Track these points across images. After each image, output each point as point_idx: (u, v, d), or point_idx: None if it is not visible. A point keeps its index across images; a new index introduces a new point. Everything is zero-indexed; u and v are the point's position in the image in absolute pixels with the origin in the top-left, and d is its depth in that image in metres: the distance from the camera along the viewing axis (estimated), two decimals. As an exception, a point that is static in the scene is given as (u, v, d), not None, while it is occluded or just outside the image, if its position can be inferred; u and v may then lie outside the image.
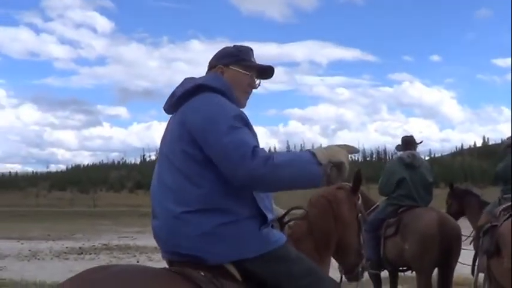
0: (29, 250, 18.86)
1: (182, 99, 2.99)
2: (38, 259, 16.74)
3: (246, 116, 2.92)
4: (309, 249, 3.46)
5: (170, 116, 3.11)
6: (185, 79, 3.14)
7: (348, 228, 3.73)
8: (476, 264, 7.04)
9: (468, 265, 7.47)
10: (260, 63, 3.22)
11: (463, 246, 7.38)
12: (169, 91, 3.12)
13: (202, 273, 2.75)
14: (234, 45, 3.23)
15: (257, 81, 3.21)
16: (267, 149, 2.79)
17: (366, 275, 4.44)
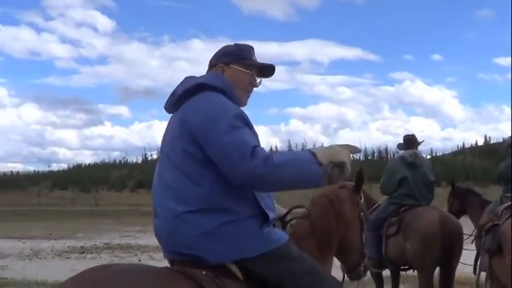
0: (31, 249, 18.89)
1: (183, 98, 2.99)
2: (40, 258, 16.76)
3: (246, 115, 2.91)
4: (311, 248, 3.46)
5: (171, 115, 3.11)
6: (186, 78, 3.13)
7: (350, 227, 3.73)
8: (478, 263, 7.03)
9: (469, 265, 7.47)
10: (261, 61, 3.21)
11: (464, 246, 7.37)
12: (170, 90, 3.12)
13: (204, 272, 2.74)
14: (235, 44, 3.22)
15: (258, 80, 3.19)
16: (268, 148, 2.80)
17: (368, 274, 4.43)
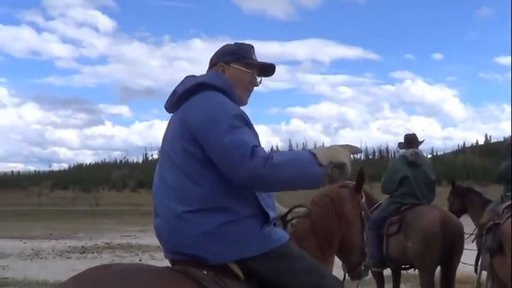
0: (32, 249, 18.89)
1: (183, 97, 2.98)
2: (41, 258, 16.76)
3: (246, 115, 2.91)
4: (312, 247, 3.46)
5: (171, 114, 3.11)
6: (186, 77, 3.13)
7: (351, 226, 3.72)
8: (479, 262, 7.03)
9: (470, 264, 7.46)
10: (261, 60, 3.21)
11: (464, 246, 7.37)
12: (171, 90, 3.11)
13: (205, 272, 2.74)
14: (235, 43, 3.22)
15: (258, 79, 3.19)
16: (269, 148, 2.79)
17: (369, 273, 4.43)
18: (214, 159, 2.76)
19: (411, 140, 7.96)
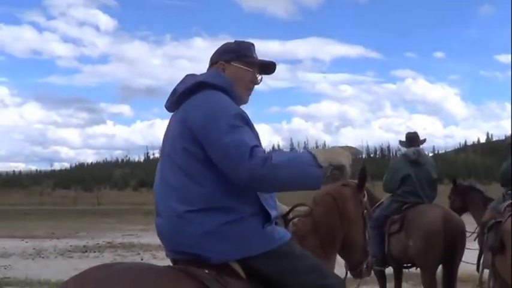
0: (33, 248, 18.90)
1: (183, 96, 2.98)
2: (43, 257, 16.77)
3: (246, 114, 2.91)
4: (314, 246, 3.45)
5: (172, 113, 3.11)
6: (186, 76, 3.12)
7: (353, 225, 3.72)
8: (481, 260, 7.02)
9: (471, 263, 7.46)
10: (261, 57, 3.21)
11: (466, 245, 7.36)
12: (172, 89, 3.11)
13: (206, 271, 2.74)
14: (235, 41, 3.22)
15: (259, 77, 3.19)
16: (270, 147, 2.79)
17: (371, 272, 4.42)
18: (214, 158, 2.76)
19: (413, 139, 7.94)
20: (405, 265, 7.78)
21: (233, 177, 2.71)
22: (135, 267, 2.79)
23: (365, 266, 3.83)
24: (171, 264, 2.97)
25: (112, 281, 2.54)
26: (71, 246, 19.84)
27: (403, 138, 8.07)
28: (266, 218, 2.91)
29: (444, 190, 9.76)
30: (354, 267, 3.85)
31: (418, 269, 7.47)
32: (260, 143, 2.90)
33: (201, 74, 3.10)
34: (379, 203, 7.88)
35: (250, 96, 3.19)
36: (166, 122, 3.14)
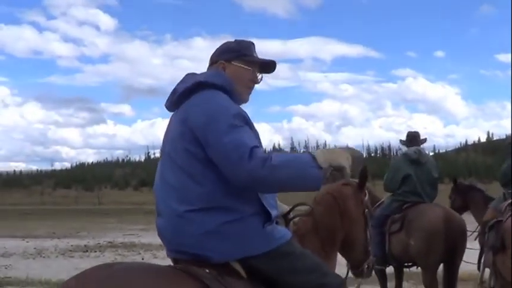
0: (34, 248, 18.89)
1: (183, 96, 2.98)
2: (43, 257, 16.76)
3: (246, 114, 2.91)
4: (315, 245, 3.45)
5: (172, 113, 3.10)
6: (186, 75, 3.12)
7: (354, 224, 3.72)
8: (482, 259, 7.02)
9: (472, 263, 7.46)
10: (261, 57, 3.21)
11: (467, 244, 7.36)
12: (172, 88, 3.11)
13: (207, 271, 2.74)
14: (235, 40, 3.21)
15: (259, 76, 3.18)
16: (271, 146, 2.79)
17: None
18: (214, 159, 2.76)
19: (414, 138, 7.94)
20: (406, 264, 7.77)
21: (232, 177, 2.71)
22: (136, 266, 2.79)
23: (366, 265, 3.83)
24: (171, 263, 2.97)
25: (113, 281, 2.54)
26: (71, 246, 19.84)
27: (404, 138, 8.07)
28: (267, 217, 2.90)
29: (445, 189, 9.76)
30: (355, 267, 3.85)
31: (419, 268, 7.47)
32: (260, 143, 2.90)
33: (201, 74, 3.09)
34: (379, 202, 7.87)
35: (250, 95, 3.19)
36: (166, 122, 3.14)
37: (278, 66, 3.24)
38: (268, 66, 3.21)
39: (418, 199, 7.53)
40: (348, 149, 2.90)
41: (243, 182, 2.69)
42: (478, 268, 7.18)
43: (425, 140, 8.09)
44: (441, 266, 7.28)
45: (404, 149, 8.09)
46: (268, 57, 3.21)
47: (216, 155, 2.74)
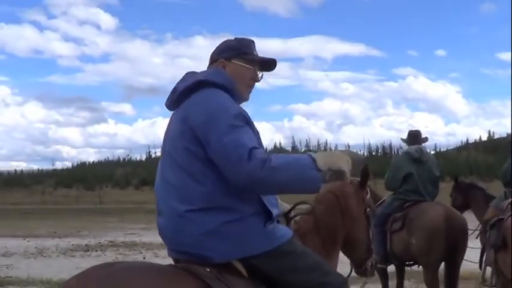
0: (35, 248, 18.87)
1: (183, 95, 2.97)
2: (44, 256, 16.74)
3: (247, 113, 2.90)
4: (316, 244, 3.44)
5: (172, 112, 3.10)
6: (186, 73, 3.11)
7: (355, 223, 3.71)
8: (484, 258, 7.02)
9: (473, 262, 7.46)
10: (262, 55, 3.20)
11: (468, 243, 7.35)
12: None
13: (208, 270, 2.74)
14: (235, 38, 3.20)
15: (259, 74, 3.18)
16: (272, 145, 2.78)
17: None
18: (214, 158, 2.75)
19: (415, 136, 7.93)
20: (407, 263, 7.77)
21: (232, 178, 2.71)
22: (137, 266, 2.79)
23: (370, 264, 3.82)
24: (173, 263, 2.97)
25: (114, 280, 2.54)
26: (72, 245, 19.81)
27: (405, 136, 8.06)
28: (268, 216, 2.90)
29: (446, 188, 9.76)
30: (358, 265, 3.84)
31: (420, 266, 7.47)
32: (261, 143, 2.90)
33: (202, 72, 3.09)
34: (380, 201, 7.87)
35: (251, 94, 3.18)
36: (167, 121, 3.13)
37: (279, 65, 3.24)
38: (269, 64, 3.21)
39: (419, 198, 7.53)
40: (348, 152, 2.90)
41: (242, 183, 2.68)
42: (480, 266, 7.17)
43: (426, 139, 8.08)
44: (442, 264, 7.28)
45: (405, 147, 8.09)
46: (269, 56, 3.21)
47: (215, 155, 2.74)
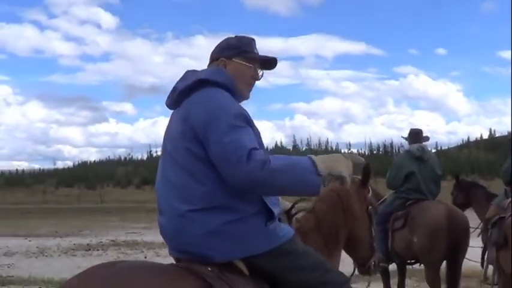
0: (37, 247, 18.88)
1: (183, 94, 2.96)
2: (46, 256, 16.75)
3: (247, 113, 2.89)
4: (317, 243, 3.44)
5: (172, 111, 3.09)
6: (186, 72, 3.10)
7: (357, 221, 3.71)
8: (486, 256, 7.02)
9: (474, 261, 7.46)
10: (262, 54, 3.19)
11: (469, 242, 7.35)
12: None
13: (209, 269, 2.74)
14: (236, 36, 3.18)
15: (260, 73, 3.17)
16: (273, 144, 2.77)
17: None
18: (213, 158, 2.74)
19: (417, 135, 7.92)
20: (409, 261, 7.77)
21: (231, 179, 2.69)
22: (139, 265, 2.79)
23: (373, 262, 3.82)
24: (174, 262, 2.97)
25: (115, 279, 2.54)
26: (74, 244, 19.82)
27: (406, 135, 8.05)
28: (269, 215, 2.89)
29: (447, 186, 9.76)
30: (361, 264, 3.84)
31: (422, 265, 7.47)
32: (261, 142, 2.90)
33: (202, 71, 3.08)
34: (382, 199, 7.86)
35: (252, 93, 3.17)
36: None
37: (279, 64, 3.23)
38: (269, 62, 3.19)
39: (421, 196, 7.52)
40: (349, 155, 2.89)
41: (241, 184, 2.67)
42: (482, 265, 7.17)
43: (427, 138, 8.07)
44: (444, 263, 7.28)
45: (406, 146, 8.08)
46: (270, 55, 3.20)
47: (215, 155, 2.73)
